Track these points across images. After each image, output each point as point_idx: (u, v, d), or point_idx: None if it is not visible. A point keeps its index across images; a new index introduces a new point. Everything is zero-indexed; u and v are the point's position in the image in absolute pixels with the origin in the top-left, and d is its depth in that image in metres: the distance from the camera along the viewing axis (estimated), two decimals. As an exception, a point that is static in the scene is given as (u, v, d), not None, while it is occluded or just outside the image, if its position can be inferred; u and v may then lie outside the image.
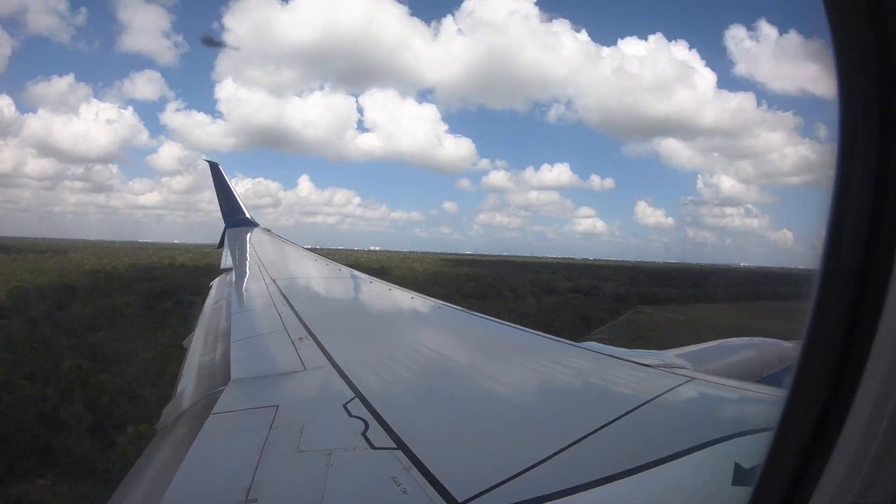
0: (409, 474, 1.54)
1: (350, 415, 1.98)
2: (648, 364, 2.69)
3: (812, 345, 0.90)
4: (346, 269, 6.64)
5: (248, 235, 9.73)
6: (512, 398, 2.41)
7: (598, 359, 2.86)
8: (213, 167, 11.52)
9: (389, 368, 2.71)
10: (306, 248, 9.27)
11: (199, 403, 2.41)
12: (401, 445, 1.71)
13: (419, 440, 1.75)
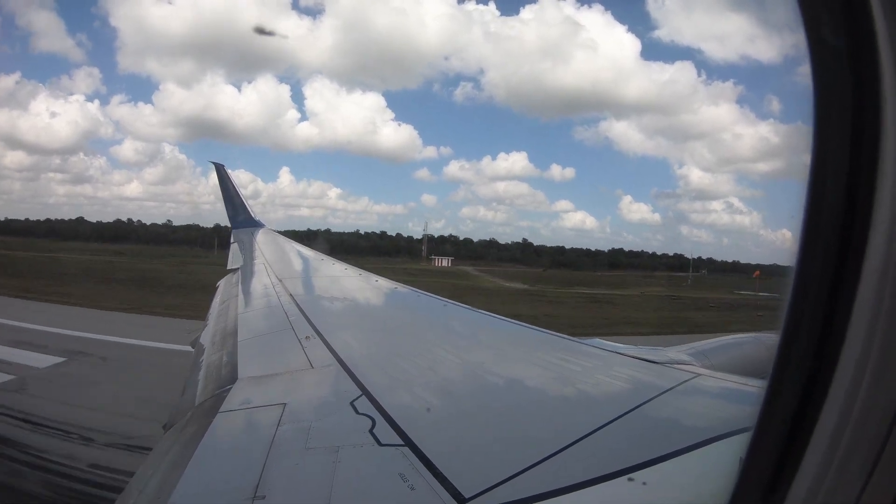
0: (416, 471, 1.55)
1: (357, 412, 2.00)
2: (653, 360, 2.69)
3: (787, 342, 0.91)
4: (351, 268, 6.67)
5: (254, 236, 9.79)
6: (518, 395, 2.42)
7: (602, 355, 2.86)
8: (219, 168, 11.66)
9: (396, 366, 2.72)
10: (314, 249, 9.32)
11: (206, 402, 2.43)
12: (408, 442, 1.72)
13: (426, 437, 1.77)
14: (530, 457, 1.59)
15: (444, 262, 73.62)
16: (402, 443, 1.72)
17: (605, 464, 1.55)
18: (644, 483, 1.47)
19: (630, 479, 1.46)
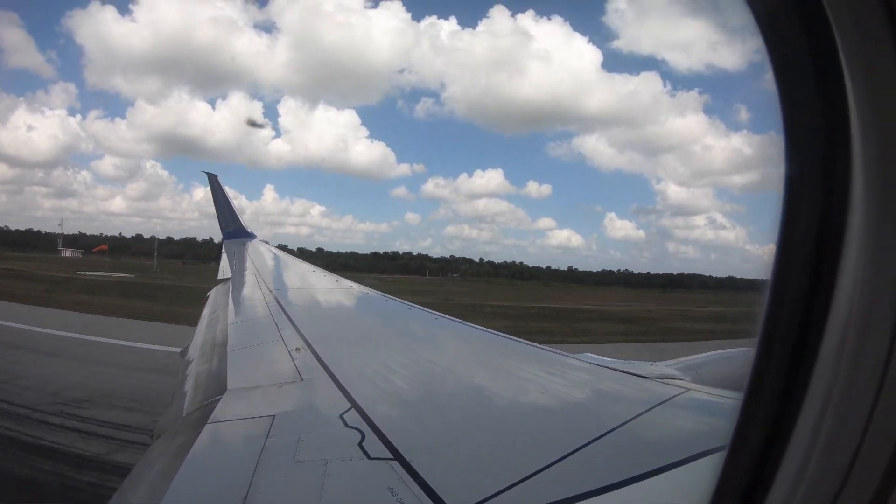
0: (404, 484, 1.55)
1: (346, 425, 1.99)
2: (643, 375, 2.71)
3: (763, 355, 0.91)
4: (343, 281, 6.66)
5: (246, 247, 9.74)
6: (507, 409, 2.42)
7: (593, 370, 2.88)
8: (212, 179, 11.63)
9: (386, 379, 2.72)
10: (303, 260, 9.30)
11: (195, 413, 2.41)
12: (397, 456, 1.72)
13: (415, 450, 1.76)
14: (519, 472, 1.60)
15: (67, 254, 76.63)
16: (392, 456, 1.72)
17: (595, 479, 1.56)
18: (635, 496, 1.47)
19: (620, 495, 1.47)
